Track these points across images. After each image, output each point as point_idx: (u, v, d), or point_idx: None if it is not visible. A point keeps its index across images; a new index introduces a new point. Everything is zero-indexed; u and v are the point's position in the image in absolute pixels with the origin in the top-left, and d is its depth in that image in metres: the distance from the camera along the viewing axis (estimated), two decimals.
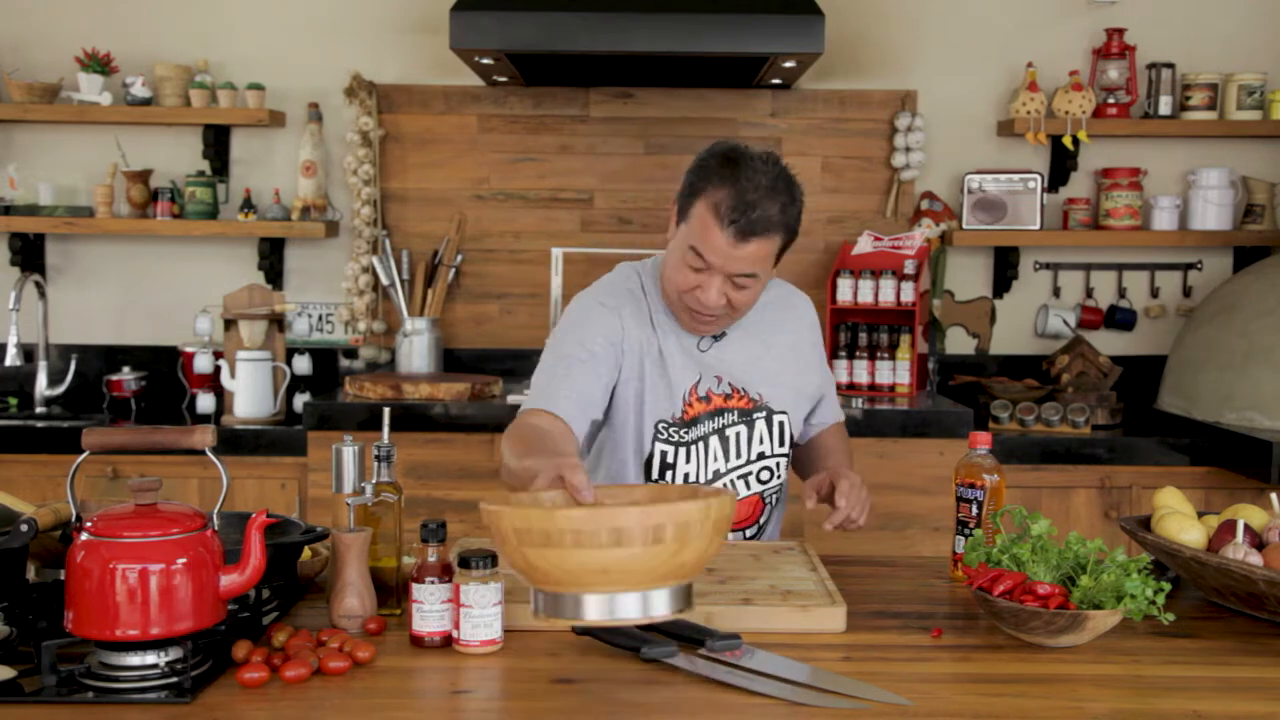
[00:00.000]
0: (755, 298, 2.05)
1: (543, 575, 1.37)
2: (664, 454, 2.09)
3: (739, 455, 2.13)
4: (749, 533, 2.17)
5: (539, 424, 1.93)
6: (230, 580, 1.49)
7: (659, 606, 1.36)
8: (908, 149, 3.87)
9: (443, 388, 3.45)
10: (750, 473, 2.15)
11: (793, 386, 2.19)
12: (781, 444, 2.17)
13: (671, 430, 2.09)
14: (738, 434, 2.13)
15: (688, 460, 2.10)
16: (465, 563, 1.56)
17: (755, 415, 2.14)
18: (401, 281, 3.85)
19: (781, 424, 2.16)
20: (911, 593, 1.88)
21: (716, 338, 2.15)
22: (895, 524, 3.36)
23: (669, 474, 2.10)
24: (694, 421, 2.10)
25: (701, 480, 2.11)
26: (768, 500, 2.18)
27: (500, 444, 1.99)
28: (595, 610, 1.36)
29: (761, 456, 2.15)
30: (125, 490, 3.03)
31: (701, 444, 2.11)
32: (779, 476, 2.18)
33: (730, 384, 2.13)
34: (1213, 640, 1.69)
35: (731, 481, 2.13)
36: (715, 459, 2.11)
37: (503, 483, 1.91)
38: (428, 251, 3.90)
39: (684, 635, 1.58)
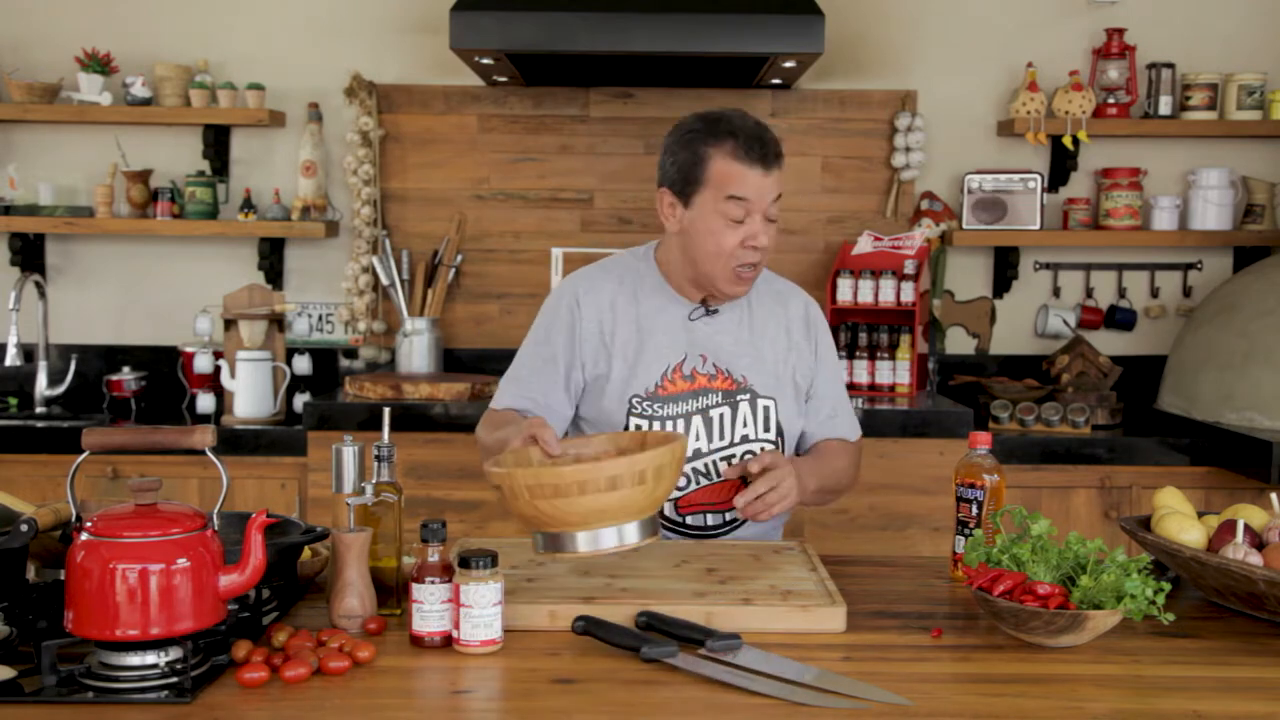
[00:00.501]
0: (774, 240, 2.13)
1: (551, 520, 1.67)
2: (638, 428, 2.13)
3: (722, 437, 2.15)
4: (728, 516, 2.18)
5: (504, 415, 2.16)
6: (230, 580, 1.49)
7: (631, 536, 1.69)
8: (908, 149, 3.87)
9: (443, 388, 3.45)
10: (734, 455, 2.16)
11: (780, 375, 2.20)
12: (767, 429, 2.18)
13: (645, 404, 2.13)
14: (721, 415, 2.15)
15: None
16: (465, 563, 1.56)
17: (739, 397, 2.16)
18: (401, 281, 3.85)
19: (767, 409, 2.18)
20: (911, 593, 1.88)
21: (710, 312, 2.18)
22: (895, 524, 3.36)
23: None
24: (671, 398, 2.14)
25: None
26: (749, 485, 2.18)
27: (477, 435, 2.20)
28: (584, 544, 1.68)
29: (745, 439, 2.16)
30: (125, 490, 3.03)
31: (681, 421, 2.14)
32: None
33: (715, 364, 2.16)
34: (1213, 640, 1.69)
35: (713, 463, 2.15)
36: (698, 438, 2.14)
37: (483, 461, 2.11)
38: (428, 251, 3.91)
39: (684, 635, 1.58)
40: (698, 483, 2.15)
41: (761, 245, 2.07)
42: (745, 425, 2.16)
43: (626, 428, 2.12)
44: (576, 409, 2.21)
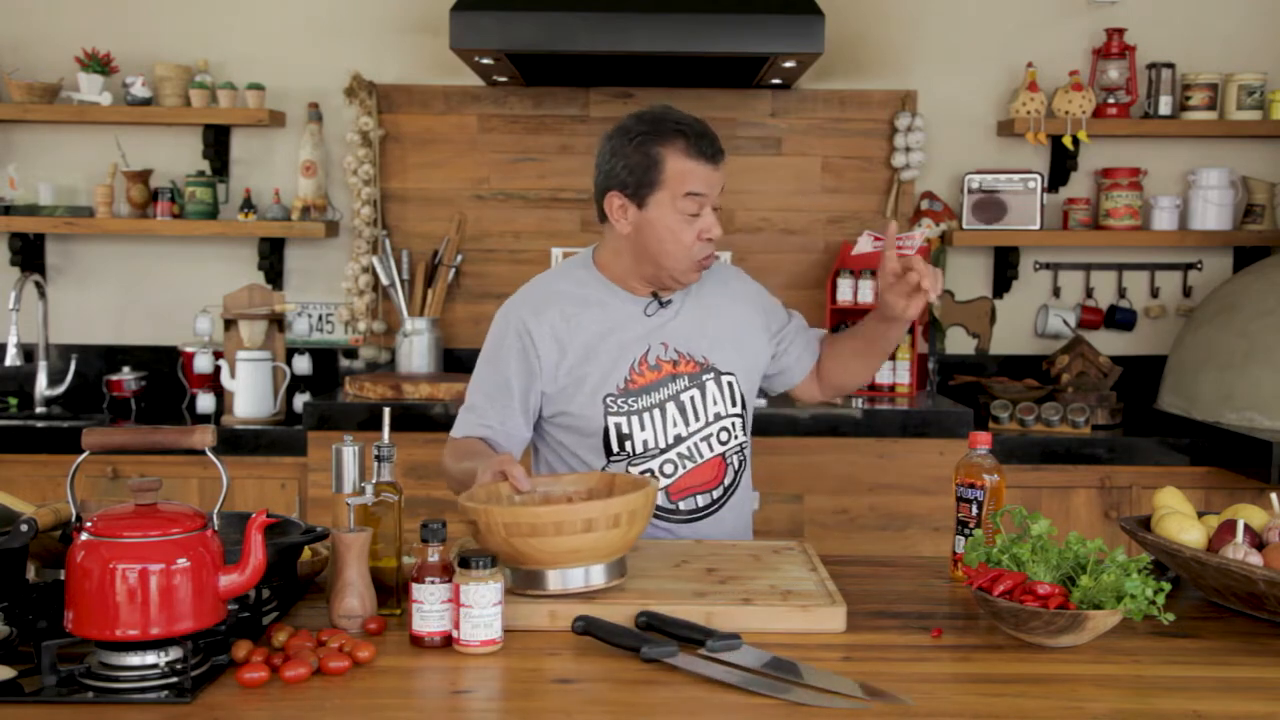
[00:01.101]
0: None
1: (525, 558, 1.68)
2: (617, 425, 2.15)
3: (697, 419, 2.19)
4: (715, 494, 2.21)
5: (469, 443, 2.18)
6: (230, 580, 1.49)
7: (598, 578, 1.72)
8: (908, 149, 3.87)
9: (443, 388, 3.45)
10: (710, 434, 2.20)
11: (737, 350, 2.25)
12: (734, 404, 2.22)
13: (619, 401, 2.16)
14: (691, 398, 2.18)
15: (643, 428, 2.16)
16: (465, 563, 1.56)
17: (704, 377, 2.20)
18: (401, 281, 3.85)
19: (730, 384, 2.22)
20: (911, 593, 1.88)
21: (663, 304, 2.22)
22: (895, 524, 3.36)
23: (627, 444, 2.16)
24: (643, 390, 2.17)
25: (663, 445, 2.17)
26: (729, 461, 2.22)
27: (443, 461, 2.21)
28: (554, 582, 1.70)
29: (718, 417, 2.21)
30: (125, 490, 3.03)
31: (657, 410, 2.17)
32: (736, 436, 2.23)
33: (676, 350, 2.20)
34: (1213, 640, 1.69)
35: (695, 445, 2.18)
36: (675, 424, 2.17)
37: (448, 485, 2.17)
38: (428, 251, 3.90)
39: (684, 635, 1.58)
40: (684, 467, 2.18)
41: (716, 236, 2.14)
42: (715, 403, 2.20)
43: (606, 427, 2.15)
44: (547, 418, 2.22)
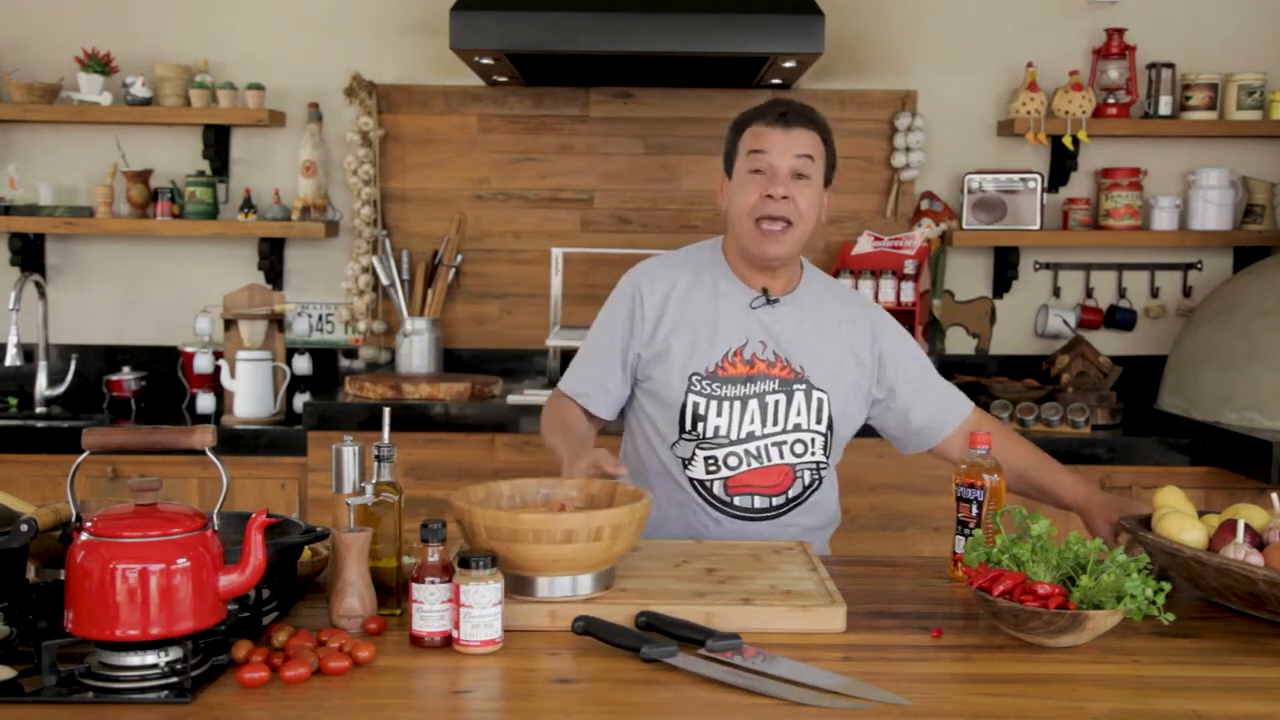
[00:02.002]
0: (813, 207, 2.19)
1: (506, 562, 1.68)
2: (696, 405, 2.19)
3: (775, 423, 2.20)
4: (775, 501, 2.21)
5: (565, 409, 2.28)
6: (230, 580, 1.49)
7: (585, 588, 1.72)
8: (908, 149, 3.87)
9: (443, 388, 3.45)
10: (785, 442, 2.21)
11: (834, 373, 2.25)
12: (818, 421, 2.23)
13: (704, 383, 2.19)
14: (776, 402, 2.20)
15: (719, 414, 2.19)
16: (465, 563, 1.56)
17: (795, 386, 2.22)
18: (401, 281, 3.85)
19: (821, 401, 2.23)
20: (911, 593, 1.89)
21: (771, 302, 2.24)
22: (895, 524, 3.35)
23: (700, 425, 2.19)
24: (729, 379, 2.20)
25: (734, 438, 2.19)
26: (798, 474, 2.22)
27: (542, 416, 2.33)
28: (541, 589, 1.70)
29: (797, 428, 2.21)
30: (125, 490, 3.03)
31: (739, 404, 2.19)
32: (813, 453, 2.23)
33: (775, 351, 2.22)
34: (1213, 640, 1.69)
35: (765, 447, 2.20)
36: (751, 421, 2.19)
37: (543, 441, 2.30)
38: (428, 251, 3.91)
39: (684, 635, 1.58)
40: (749, 464, 2.20)
41: (778, 195, 2.14)
42: (799, 414, 2.21)
43: (684, 405, 2.19)
44: (638, 382, 2.28)
